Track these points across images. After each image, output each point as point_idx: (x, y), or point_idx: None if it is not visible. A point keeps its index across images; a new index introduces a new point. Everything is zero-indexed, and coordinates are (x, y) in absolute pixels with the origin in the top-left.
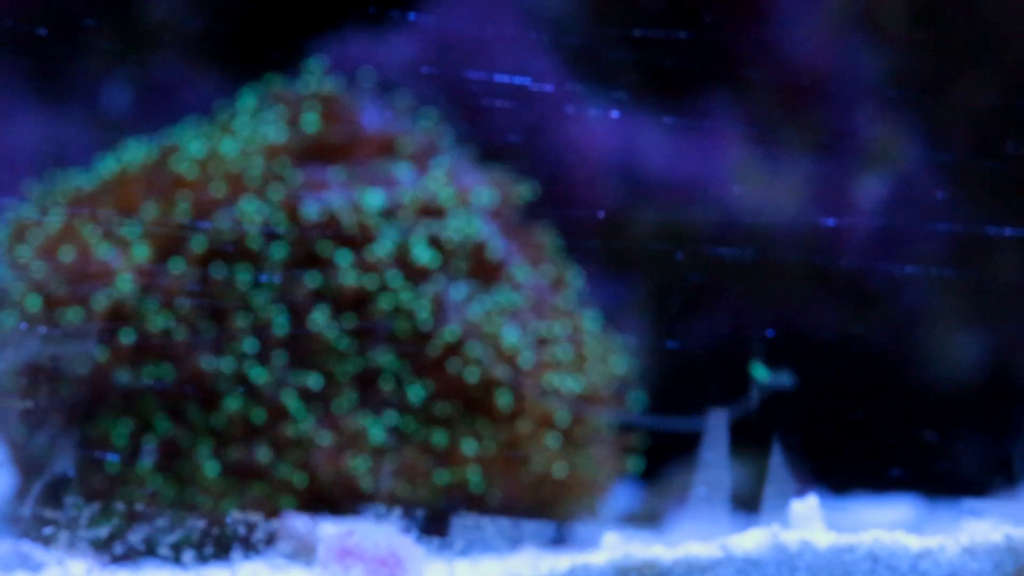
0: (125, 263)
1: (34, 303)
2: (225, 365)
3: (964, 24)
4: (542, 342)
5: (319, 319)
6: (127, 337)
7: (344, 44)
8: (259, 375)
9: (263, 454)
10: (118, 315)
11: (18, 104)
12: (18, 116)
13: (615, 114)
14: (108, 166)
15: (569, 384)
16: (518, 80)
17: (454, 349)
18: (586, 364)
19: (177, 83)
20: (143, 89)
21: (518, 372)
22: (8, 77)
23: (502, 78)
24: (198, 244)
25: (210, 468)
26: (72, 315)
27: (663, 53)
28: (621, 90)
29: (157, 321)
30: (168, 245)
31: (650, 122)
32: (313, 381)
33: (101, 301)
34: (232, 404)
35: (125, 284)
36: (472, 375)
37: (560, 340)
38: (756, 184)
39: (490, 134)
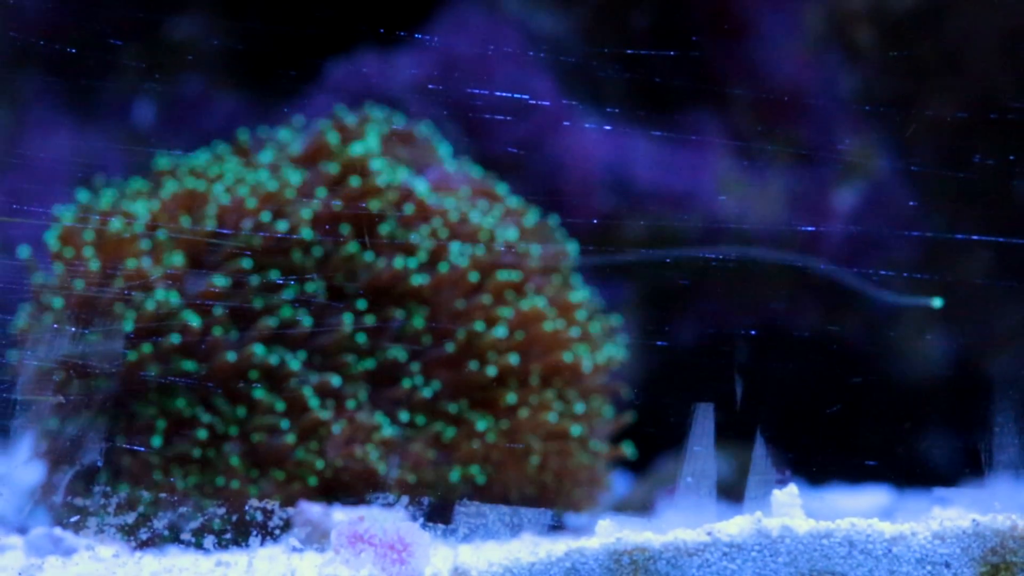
0: (160, 267)
1: (70, 304)
2: (250, 361)
3: (932, 44)
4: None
5: (341, 318)
6: (161, 335)
7: (355, 62)
8: (281, 368)
9: (283, 444)
10: (153, 316)
11: (50, 119)
12: (51, 130)
13: (608, 128)
14: (142, 181)
15: (584, 354)
16: (517, 96)
17: (470, 344)
18: (592, 340)
19: (199, 98)
20: (168, 104)
21: (537, 342)
22: (41, 94)
23: (502, 94)
24: (226, 250)
25: (234, 456)
26: (107, 316)
27: (653, 71)
28: (613, 106)
29: (189, 320)
30: (200, 251)
31: (640, 135)
32: (332, 377)
33: (138, 302)
34: (256, 398)
35: (160, 287)
36: (489, 368)
37: (568, 317)
38: (739, 193)
39: (491, 147)
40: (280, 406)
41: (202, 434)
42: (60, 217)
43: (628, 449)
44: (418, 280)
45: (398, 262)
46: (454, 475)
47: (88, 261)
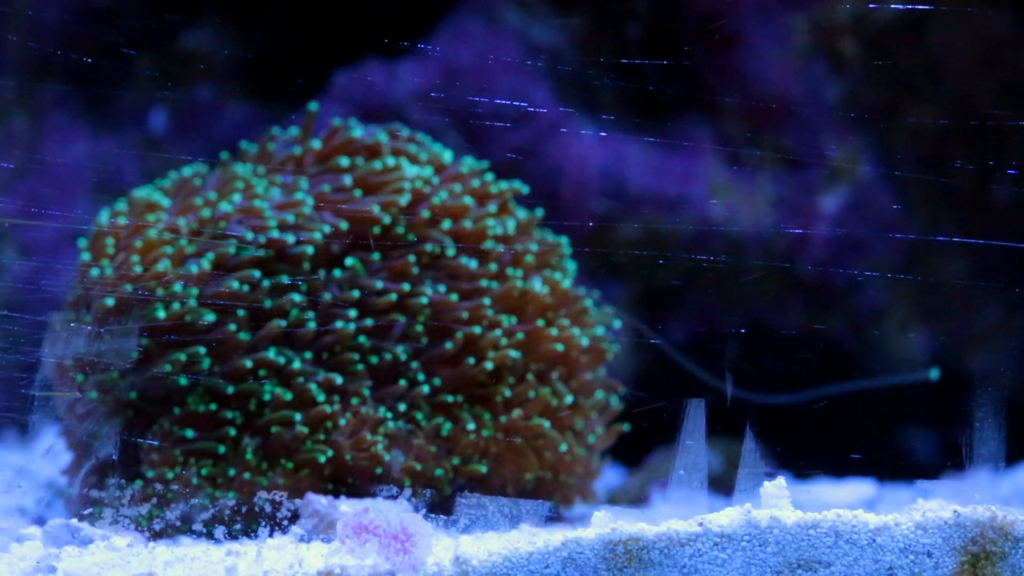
0: (179, 270)
1: (92, 304)
2: (261, 359)
3: (913, 55)
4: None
5: (344, 321)
6: (185, 335)
7: (361, 72)
8: (290, 366)
9: (295, 434)
10: (179, 316)
11: (68, 126)
12: (68, 137)
13: (603, 134)
14: (163, 186)
15: (577, 336)
16: (516, 104)
17: (469, 344)
18: (586, 328)
19: (211, 106)
20: (181, 112)
21: (534, 338)
22: (59, 102)
23: (502, 102)
24: (243, 255)
25: (249, 450)
26: (140, 315)
27: (646, 80)
28: (608, 113)
29: (205, 319)
30: (218, 256)
31: (634, 141)
32: (335, 376)
33: (165, 302)
34: (267, 393)
35: (180, 288)
36: (487, 364)
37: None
38: (729, 197)
39: (491, 152)
40: (288, 396)
41: (231, 432)
42: (99, 220)
43: (624, 426)
44: (423, 299)
45: (406, 286)
46: (453, 462)
47: (129, 263)
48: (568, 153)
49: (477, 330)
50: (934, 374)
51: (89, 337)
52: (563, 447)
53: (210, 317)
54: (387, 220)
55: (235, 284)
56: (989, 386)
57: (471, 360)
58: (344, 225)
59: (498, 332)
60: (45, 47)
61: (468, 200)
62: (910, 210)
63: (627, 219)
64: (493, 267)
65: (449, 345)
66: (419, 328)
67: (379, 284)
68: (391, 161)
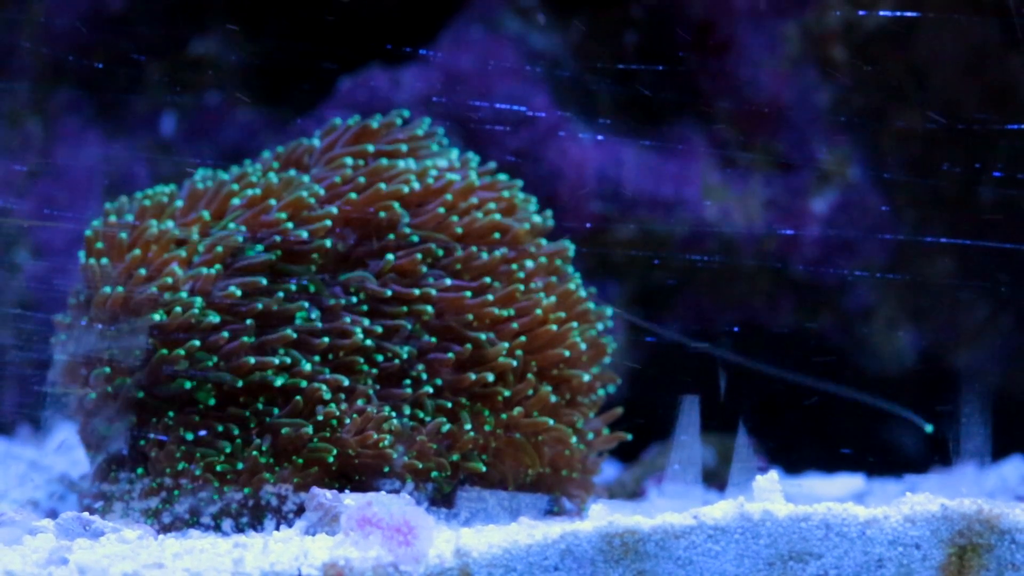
0: (186, 270)
1: (110, 302)
2: (268, 358)
3: (901, 60)
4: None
5: (348, 322)
6: (185, 334)
7: (365, 78)
8: (298, 366)
9: (299, 436)
10: (183, 318)
11: (80, 130)
12: (80, 141)
13: (600, 138)
14: (172, 188)
15: (577, 340)
16: (516, 109)
17: (475, 350)
18: (585, 328)
19: (219, 111)
20: (189, 116)
21: (538, 338)
22: (71, 106)
23: (502, 107)
24: (250, 255)
25: (255, 445)
26: (135, 315)
27: (642, 85)
28: (605, 117)
29: (211, 319)
30: (225, 256)
31: (630, 145)
32: (342, 377)
33: (164, 302)
34: (279, 379)
35: (185, 288)
36: (488, 376)
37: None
38: (722, 199)
39: (491, 155)
40: (303, 383)
41: (235, 430)
42: (102, 221)
43: (625, 434)
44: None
45: (415, 290)
46: (453, 458)
47: (133, 263)
48: (566, 156)
49: (482, 336)
50: (929, 428)
51: (99, 336)
52: (573, 439)
53: (215, 318)
54: (401, 222)
55: (238, 292)
56: (975, 383)
57: (472, 376)
58: (355, 197)
59: (505, 344)
60: (58, 53)
61: (475, 181)
62: (898, 211)
63: (623, 220)
64: (498, 253)
65: (451, 355)
66: (424, 320)
67: (388, 292)
68: (387, 161)
